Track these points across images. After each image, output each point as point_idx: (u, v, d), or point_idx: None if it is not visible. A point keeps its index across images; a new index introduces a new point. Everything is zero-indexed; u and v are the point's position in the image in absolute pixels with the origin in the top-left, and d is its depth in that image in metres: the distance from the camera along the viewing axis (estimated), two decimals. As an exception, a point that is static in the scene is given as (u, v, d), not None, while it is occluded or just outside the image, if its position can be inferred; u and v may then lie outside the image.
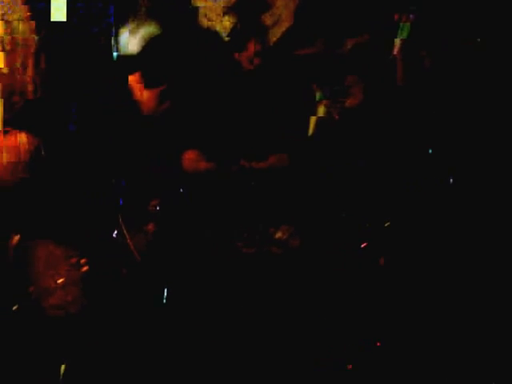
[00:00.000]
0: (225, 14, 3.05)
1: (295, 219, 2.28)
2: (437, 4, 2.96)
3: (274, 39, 3.06)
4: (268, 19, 3.13)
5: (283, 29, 3.13)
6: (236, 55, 2.27)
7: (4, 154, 1.88)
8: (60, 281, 1.90)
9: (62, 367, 1.84)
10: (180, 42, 2.13)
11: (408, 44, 2.95)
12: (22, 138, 1.91)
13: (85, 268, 1.95)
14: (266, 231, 2.23)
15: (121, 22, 3.18)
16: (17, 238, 1.92)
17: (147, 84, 2.10)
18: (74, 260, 1.93)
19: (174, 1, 3.17)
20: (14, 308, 1.88)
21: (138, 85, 2.11)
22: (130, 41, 3.21)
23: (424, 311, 2.25)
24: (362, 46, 3.09)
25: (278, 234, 2.22)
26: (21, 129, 1.93)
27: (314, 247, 2.23)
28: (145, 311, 2.02)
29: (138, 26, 3.21)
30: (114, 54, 3.24)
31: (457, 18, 2.93)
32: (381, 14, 3.08)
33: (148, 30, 3.21)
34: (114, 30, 3.19)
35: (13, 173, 1.88)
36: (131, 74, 2.13)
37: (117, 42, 3.22)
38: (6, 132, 1.95)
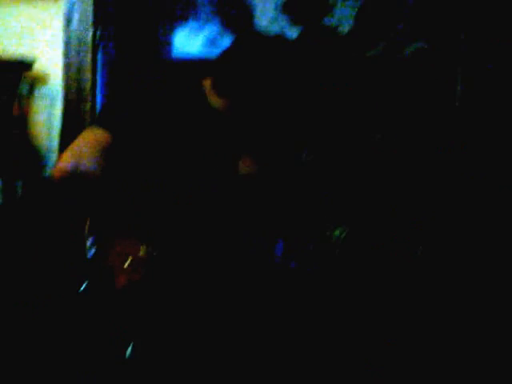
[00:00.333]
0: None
1: (352, 219, 2.33)
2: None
3: (336, 42, 3.11)
4: (330, 22, 3.19)
5: (344, 31, 3.19)
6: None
7: (90, 147, 2.00)
8: (128, 262, 2.00)
9: (129, 348, 1.95)
10: (249, 53, 2.17)
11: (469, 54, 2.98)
12: (105, 134, 2.02)
13: (151, 252, 2.04)
14: (325, 229, 2.29)
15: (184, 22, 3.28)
16: (88, 223, 2.04)
17: (220, 91, 2.15)
18: (141, 245, 2.02)
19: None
20: (84, 287, 2.00)
21: (211, 90, 2.16)
22: (193, 41, 3.31)
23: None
24: (423, 52, 3.13)
25: (337, 232, 2.28)
26: (105, 126, 2.04)
27: (370, 247, 2.28)
28: (206, 304, 2.10)
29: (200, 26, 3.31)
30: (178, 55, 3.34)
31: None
32: (444, 22, 3.10)
33: (211, 30, 3.30)
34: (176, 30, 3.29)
35: (97, 166, 1.99)
36: (205, 78, 2.18)
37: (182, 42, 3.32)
38: (92, 128, 2.06)
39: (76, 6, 3.12)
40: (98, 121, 2.16)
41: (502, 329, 2.33)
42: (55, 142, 3.21)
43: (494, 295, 2.36)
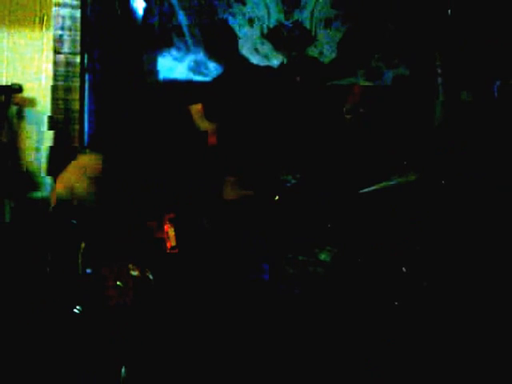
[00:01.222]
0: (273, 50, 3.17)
1: (340, 240, 2.35)
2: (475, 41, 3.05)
3: (318, 71, 3.15)
4: (312, 51, 3.24)
5: (326, 60, 3.24)
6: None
7: (83, 172, 2.02)
8: (120, 283, 2.01)
9: (123, 370, 1.95)
10: (236, 80, 2.21)
11: (448, 79, 3.04)
12: (96, 158, 2.04)
13: (142, 275, 2.05)
14: (311, 252, 2.31)
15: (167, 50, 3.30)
16: (83, 245, 2.05)
17: (208, 116, 2.19)
18: (133, 267, 2.03)
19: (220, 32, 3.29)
20: (78, 307, 2.00)
21: (200, 115, 2.20)
22: (177, 67, 3.33)
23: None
24: (402, 78, 3.18)
25: (323, 256, 2.30)
26: (95, 150, 2.06)
27: (358, 269, 2.30)
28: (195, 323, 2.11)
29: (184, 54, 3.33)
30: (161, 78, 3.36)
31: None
32: (422, 49, 3.16)
33: (195, 57, 3.33)
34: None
35: (89, 190, 2.01)
36: (194, 103, 2.22)
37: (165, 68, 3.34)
38: (83, 153, 2.08)
39: (65, 32, 3.14)
40: (91, 145, 2.18)
41: (498, 331, 2.37)
42: (43, 164, 3.21)
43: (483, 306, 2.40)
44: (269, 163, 2.47)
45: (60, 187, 2.02)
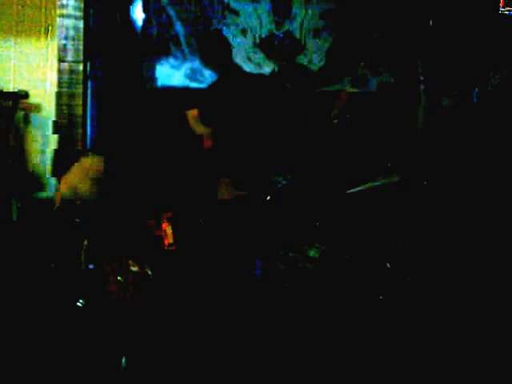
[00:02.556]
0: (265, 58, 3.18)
1: (328, 238, 2.36)
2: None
3: (307, 78, 3.16)
4: (302, 60, 3.25)
5: (315, 68, 3.25)
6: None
7: (86, 174, 2.02)
8: (120, 278, 2.02)
9: (123, 360, 1.96)
10: (231, 86, 2.22)
11: (430, 86, 3.06)
12: (98, 160, 2.04)
13: (142, 270, 2.06)
14: (301, 249, 2.32)
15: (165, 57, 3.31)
16: (86, 242, 2.05)
17: (204, 121, 2.20)
18: (133, 263, 2.04)
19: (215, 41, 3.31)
20: (81, 301, 2.01)
21: (195, 120, 2.21)
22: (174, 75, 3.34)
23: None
24: (387, 85, 3.20)
25: (312, 252, 2.31)
26: (97, 153, 2.07)
27: (346, 265, 2.31)
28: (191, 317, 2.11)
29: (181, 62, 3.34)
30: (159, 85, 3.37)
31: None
32: (405, 57, 3.18)
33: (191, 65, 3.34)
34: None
35: (91, 191, 2.02)
36: (191, 109, 2.23)
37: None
38: (86, 155, 2.09)
39: (69, 41, 3.14)
40: (93, 148, 2.19)
41: (478, 322, 2.38)
42: (48, 166, 3.22)
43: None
44: (261, 165, 2.47)
45: (64, 188, 2.03)
